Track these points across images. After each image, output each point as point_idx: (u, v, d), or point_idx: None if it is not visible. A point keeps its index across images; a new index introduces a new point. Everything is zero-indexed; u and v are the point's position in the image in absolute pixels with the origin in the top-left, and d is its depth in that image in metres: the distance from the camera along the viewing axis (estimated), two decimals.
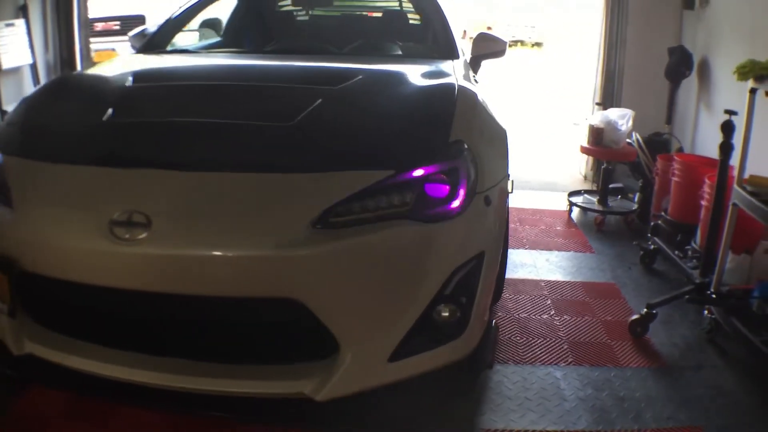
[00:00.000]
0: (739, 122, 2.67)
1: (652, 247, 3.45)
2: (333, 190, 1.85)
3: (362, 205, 1.85)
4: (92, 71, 2.77)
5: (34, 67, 4.46)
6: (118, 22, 7.21)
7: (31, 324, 2.00)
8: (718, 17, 3.70)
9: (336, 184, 1.86)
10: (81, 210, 1.90)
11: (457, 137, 2.02)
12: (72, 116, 2.25)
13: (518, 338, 2.68)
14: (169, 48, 3.37)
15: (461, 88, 2.32)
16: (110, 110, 2.20)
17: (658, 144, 3.98)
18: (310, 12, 4.26)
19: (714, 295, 2.73)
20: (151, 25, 3.78)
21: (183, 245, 1.79)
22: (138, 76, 2.53)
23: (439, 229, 1.88)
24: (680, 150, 4.07)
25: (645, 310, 2.76)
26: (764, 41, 3.25)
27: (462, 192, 1.92)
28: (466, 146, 2.01)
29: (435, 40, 3.38)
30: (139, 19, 7.63)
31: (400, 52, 3.39)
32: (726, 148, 2.75)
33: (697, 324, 2.85)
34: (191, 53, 3.37)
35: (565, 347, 2.62)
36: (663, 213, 3.59)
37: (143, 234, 1.78)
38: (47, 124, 2.22)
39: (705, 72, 3.86)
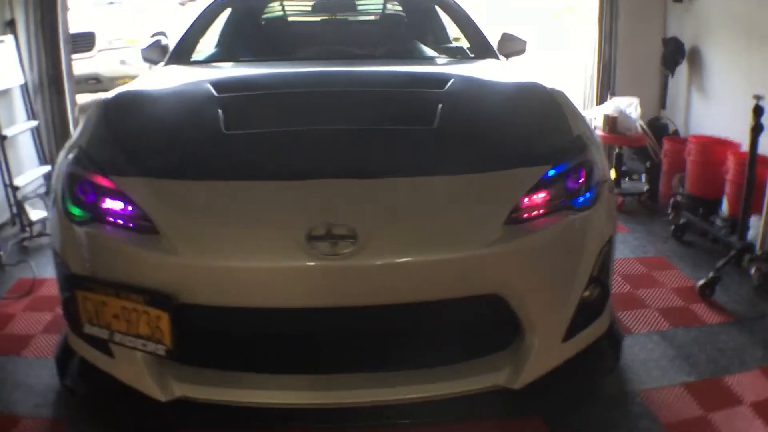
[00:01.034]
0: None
1: (682, 221, 3.87)
2: (511, 187, 1.99)
3: (536, 200, 2.01)
4: (146, 87, 2.68)
5: (25, 87, 4.23)
6: None
7: (176, 364, 1.94)
8: (707, 9, 4.22)
9: (511, 182, 2.00)
10: (265, 227, 1.86)
11: (577, 132, 2.24)
12: (182, 132, 2.20)
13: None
14: (192, 60, 3.35)
15: (551, 88, 2.52)
16: (221, 122, 2.16)
17: (658, 128, 4.50)
18: (314, 18, 4.30)
19: (764, 254, 3.22)
20: (162, 38, 3.75)
21: (393, 254, 1.81)
22: (218, 87, 2.46)
23: (589, 216, 2.06)
24: (676, 132, 4.60)
25: (711, 274, 3.14)
26: (758, 31, 3.77)
27: (596, 181, 2.12)
28: (587, 140, 2.23)
29: (471, 41, 3.58)
30: (89, 37, 7.27)
31: (433, 53, 3.57)
32: (756, 129, 3.22)
33: (744, 283, 3.26)
34: (227, 63, 3.33)
35: (657, 315, 2.95)
36: (680, 190, 4.08)
37: (350, 247, 1.78)
38: (157, 142, 2.15)
39: (695, 60, 4.39)
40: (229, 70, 3.05)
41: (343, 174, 1.95)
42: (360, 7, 4.21)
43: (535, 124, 2.24)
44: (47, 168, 4.28)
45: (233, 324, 1.92)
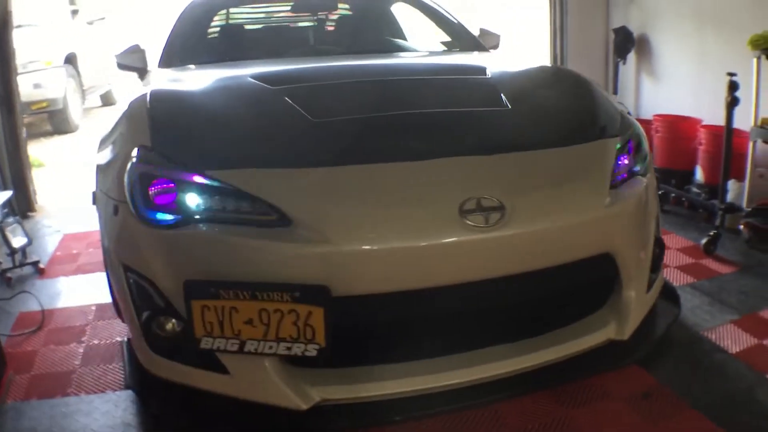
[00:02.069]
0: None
1: (660, 192, 4.07)
2: (605, 156, 2.08)
3: (619, 167, 2.11)
4: (177, 86, 2.43)
5: None
6: None
7: (303, 369, 1.77)
8: (653, 1, 4.52)
9: (603, 151, 2.10)
10: (415, 206, 1.77)
11: (619, 108, 2.41)
12: (263, 123, 2.04)
13: None
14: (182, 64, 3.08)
15: (576, 72, 2.68)
16: (302, 112, 2.03)
17: None
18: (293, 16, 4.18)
19: (751, 211, 3.47)
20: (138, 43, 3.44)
21: (536, 221, 1.82)
22: (264, 80, 2.33)
23: (649, 180, 2.21)
24: (628, 114, 4.86)
25: (713, 231, 3.36)
26: (709, 14, 4.05)
27: (646, 150, 2.29)
28: (627, 115, 2.39)
29: (453, 36, 3.60)
30: None
31: (429, 47, 3.61)
32: (732, 102, 3.46)
33: (732, 239, 3.48)
34: (231, 63, 3.01)
35: (678, 272, 3.09)
36: None
37: (499, 218, 1.76)
38: (242, 135, 1.96)
39: (644, 47, 4.65)
40: (252, 68, 2.81)
41: (464, 151, 1.93)
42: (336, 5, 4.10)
43: (589, 103, 2.36)
44: (9, 193, 3.76)
45: (381, 312, 1.76)
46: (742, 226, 3.50)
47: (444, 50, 3.56)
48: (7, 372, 2.29)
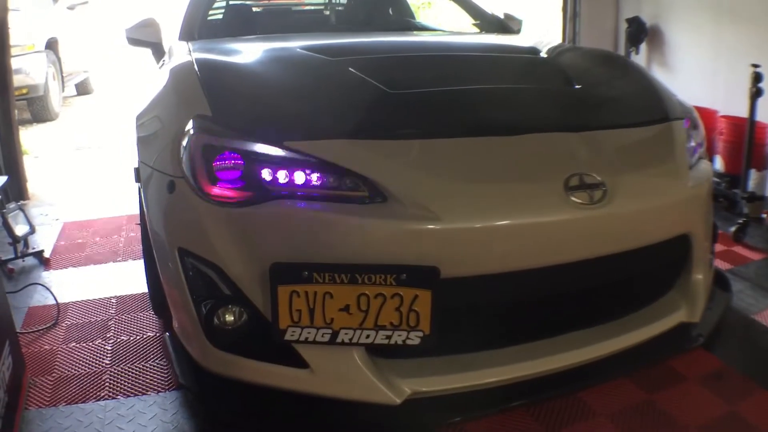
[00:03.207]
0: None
1: None
2: (679, 136, 1.96)
3: (689, 148, 1.99)
4: (219, 56, 2.13)
5: None
6: None
7: (387, 360, 1.56)
8: None
9: (676, 131, 1.96)
10: (521, 181, 1.60)
11: (673, 93, 2.30)
12: (336, 93, 1.82)
13: None
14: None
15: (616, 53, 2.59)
16: (377, 83, 1.83)
17: None
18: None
19: None
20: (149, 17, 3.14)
21: (636, 200, 1.70)
22: (319, 51, 2.12)
23: (705, 161, 2.12)
24: None
25: (742, 220, 3.27)
26: (727, 7, 3.91)
27: (704, 132, 2.19)
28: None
29: (482, 18, 3.45)
30: None
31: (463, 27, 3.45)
32: (756, 93, 3.36)
33: (757, 227, 3.39)
34: (261, 38, 2.74)
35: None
36: None
37: (603, 195, 1.62)
38: (320, 104, 1.74)
39: (656, 37, 4.52)
40: (287, 42, 2.52)
41: (554, 127, 1.79)
42: None
43: (648, 84, 2.26)
44: (4, 178, 3.39)
45: (484, 296, 1.58)
46: (765, 215, 3.44)
47: (476, 32, 3.37)
48: (26, 375, 1.98)
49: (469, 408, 1.62)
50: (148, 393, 1.91)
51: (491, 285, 1.56)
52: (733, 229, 3.25)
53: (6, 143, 3.69)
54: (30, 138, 6.28)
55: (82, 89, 9.10)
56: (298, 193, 1.51)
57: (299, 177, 1.52)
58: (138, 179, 1.92)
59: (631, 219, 1.70)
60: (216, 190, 1.54)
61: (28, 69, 6.48)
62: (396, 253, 1.43)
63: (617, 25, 4.80)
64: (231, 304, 1.56)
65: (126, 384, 1.97)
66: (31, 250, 2.95)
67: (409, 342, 1.45)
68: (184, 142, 1.61)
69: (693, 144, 2.04)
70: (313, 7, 3.84)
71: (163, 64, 2.62)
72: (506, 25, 3.36)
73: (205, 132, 1.60)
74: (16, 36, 6.34)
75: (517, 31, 3.43)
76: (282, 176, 1.53)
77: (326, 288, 1.41)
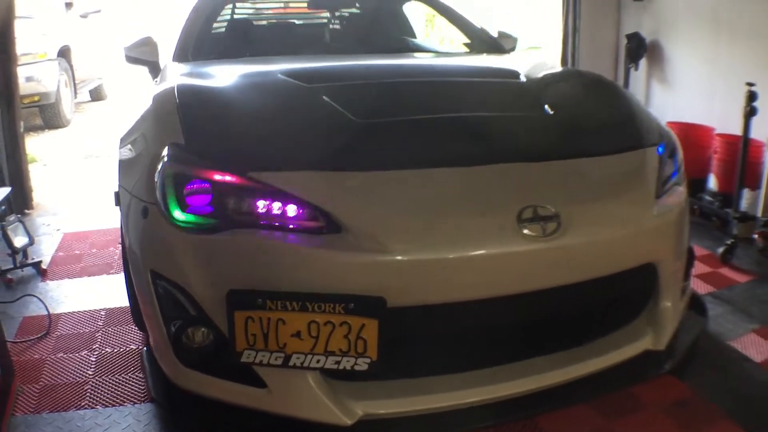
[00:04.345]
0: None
1: None
2: (648, 164, 2.04)
3: (661, 175, 2.06)
4: (204, 82, 2.28)
5: None
6: None
7: (343, 382, 1.68)
8: (668, 6, 4.41)
9: (646, 159, 2.06)
10: (473, 214, 1.69)
11: (653, 115, 2.36)
12: (305, 123, 1.94)
13: None
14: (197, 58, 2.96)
15: (606, 78, 2.67)
16: (344, 112, 1.95)
17: None
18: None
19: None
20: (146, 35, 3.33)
21: (591, 231, 1.77)
22: (297, 77, 2.24)
23: (682, 189, 2.17)
24: None
25: (730, 241, 3.33)
26: (726, 25, 3.99)
27: (680, 157, 2.26)
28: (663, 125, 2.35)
29: (474, 36, 3.53)
30: None
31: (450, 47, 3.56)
32: (750, 112, 3.40)
33: (746, 247, 3.44)
34: (253, 59, 2.92)
35: (698, 281, 3.06)
36: None
37: (557, 227, 1.70)
38: (281, 135, 1.85)
39: (656, 53, 4.60)
40: (271, 65, 2.63)
41: (516, 157, 1.87)
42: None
43: (627, 110, 2.31)
44: (7, 189, 3.61)
45: (433, 324, 1.68)
46: (756, 236, 3.49)
47: (466, 52, 3.47)
48: (15, 382, 2.15)
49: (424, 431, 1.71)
50: (125, 404, 2.07)
51: (442, 314, 1.65)
52: (720, 250, 3.32)
53: (11, 154, 3.90)
54: (40, 145, 6.54)
55: (96, 95, 9.42)
56: (259, 222, 1.64)
57: (260, 207, 1.65)
58: (117, 203, 2.08)
59: (585, 251, 1.76)
60: (184, 217, 1.68)
61: (40, 77, 6.76)
62: (345, 283, 1.55)
63: (618, 41, 4.88)
64: (197, 325, 1.69)
65: (106, 394, 2.13)
66: (29, 261, 3.15)
67: (357, 368, 1.56)
68: (158, 170, 1.76)
69: (666, 172, 2.09)
70: (313, 21, 3.94)
71: (155, 84, 2.79)
72: (498, 44, 3.45)
73: (176, 161, 1.74)
74: (28, 44, 6.65)
75: (510, 50, 3.52)
76: (245, 206, 1.66)
77: (279, 315, 1.53)
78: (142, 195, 1.80)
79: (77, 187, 4.92)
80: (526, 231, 1.66)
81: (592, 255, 1.78)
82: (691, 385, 2.15)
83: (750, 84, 3.40)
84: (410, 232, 1.60)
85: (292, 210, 1.64)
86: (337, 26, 3.83)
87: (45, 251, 3.47)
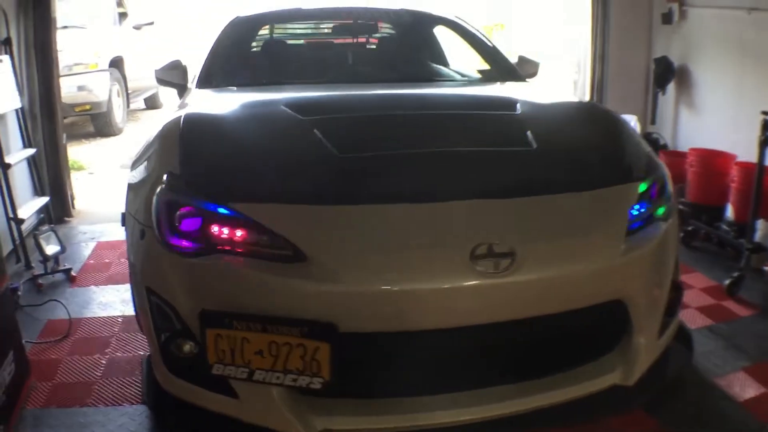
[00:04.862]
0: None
1: (690, 228, 4.04)
2: (623, 201, 2.10)
3: (639, 212, 2.12)
4: (212, 110, 2.51)
5: (22, 111, 3.91)
6: None
7: (309, 398, 1.84)
8: (696, 30, 4.45)
9: (622, 196, 2.11)
10: (428, 249, 1.83)
11: (646, 149, 2.41)
12: (289, 155, 2.11)
13: None
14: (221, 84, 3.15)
15: (607, 108, 2.73)
16: (330, 145, 2.10)
17: (649, 142, 4.70)
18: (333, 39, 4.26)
19: None
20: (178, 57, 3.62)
21: (547, 269, 1.86)
22: (296, 108, 2.40)
23: (670, 225, 2.20)
24: (665, 146, 4.84)
25: (737, 273, 3.34)
26: (752, 51, 4.03)
27: (670, 192, 2.29)
28: (654, 156, 2.38)
29: (491, 63, 3.62)
30: None
31: (466, 75, 3.58)
32: (765, 141, 3.40)
33: (756, 279, 3.45)
34: (266, 87, 3.14)
35: (698, 313, 3.10)
36: (681, 200, 4.26)
37: (509, 264, 1.80)
38: (267, 167, 2.04)
39: (684, 78, 4.63)
40: (285, 93, 2.87)
41: (480, 194, 1.97)
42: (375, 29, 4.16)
43: (616, 143, 2.38)
44: (45, 199, 3.99)
45: (382, 350, 1.84)
46: (767, 268, 3.49)
47: (479, 78, 3.56)
48: (30, 379, 2.42)
49: None
50: (124, 404, 2.32)
51: (395, 341, 1.81)
52: (727, 282, 3.33)
53: (52, 165, 4.27)
54: (90, 153, 7.01)
55: (151, 104, 9.99)
56: (236, 249, 1.85)
57: (238, 235, 1.85)
58: (123, 223, 2.34)
59: (542, 287, 1.85)
60: (174, 241, 1.90)
61: (92, 86, 7.26)
62: (302, 309, 1.73)
63: (648, 65, 4.92)
64: (182, 338, 1.90)
65: (109, 394, 2.39)
66: (60, 268, 3.47)
67: (312, 386, 1.74)
68: (155, 196, 1.99)
69: (646, 207, 2.13)
70: (337, 48, 4.09)
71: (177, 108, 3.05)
72: (515, 71, 3.50)
73: (170, 189, 1.96)
74: (80, 54, 7.20)
75: (531, 75, 3.59)
76: (225, 233, 1.86)
77: (243, 334, 1.73)
78: (141, 218, 2.03)
79: (119, 196, 5.25)
80: (478, 267, 1.77)
81: (549, 291, 1.87)
82: (662, 421, 2.21)
83: (765, 113, 3.40)
84: (364, 265, 1.77)
85: (264, 239, 1.82)
86: (361, 53, 3.97)
87: (78, 259, 3.80)
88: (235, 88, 3.02)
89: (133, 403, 2.33)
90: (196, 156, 2.09)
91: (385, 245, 1.82)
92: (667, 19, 4.58)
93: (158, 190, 1.99)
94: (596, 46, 4.87)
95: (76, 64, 7.11)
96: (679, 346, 2.38)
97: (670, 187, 2.33)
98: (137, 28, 8.77)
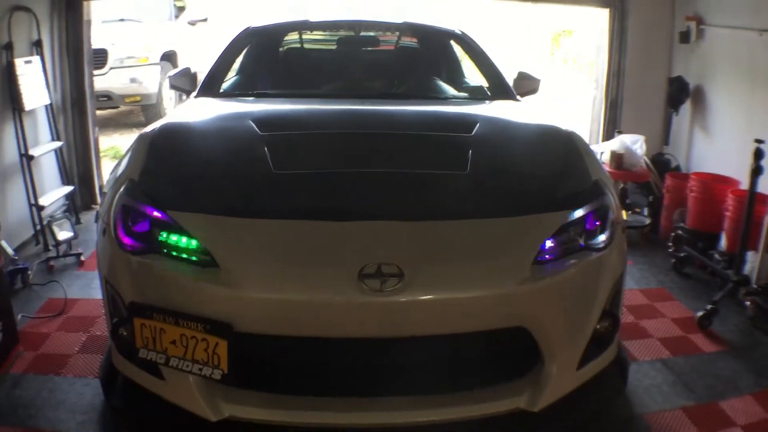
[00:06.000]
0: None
1: (683, 254, 4.13)
2: (539, 230, 2.24)
3: (559, 242, 2.25)
4: (187, 120, 2.86)
5: (51, 107, 4.47)
6: None
7: (223, 387, 2.12)
8: (712, 51, 4.50)
9: (539, 225, 2.26)
10: (320, 265, 2.08)
11: (595, 176, 2.49)
12: (232, 169, 2.40)
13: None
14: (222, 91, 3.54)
15: (569, 131, 2.77)
16: (270, 162, 2.36)
17: (661, 163, 4.78)
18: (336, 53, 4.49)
19: (759, 288, 3.49)
20: (189, 64, 4.04)
21: (434, 291, 2.05)
22: (260, 124, 2.65)
23: (604, 256, 2.31)
24: (677, 168, 4.88)
25: (710, 306, 3.39)
26: (762, 75, 4.06)
27: (611, 223, 2.38)
28: (603, 184, 2.47)
29: (489, 80, 3.77)
30: (102, 54, 7.55)
31: (454, 92, 3.78)
32: (756, 171, 3.47)
33: (739, 314, 3.52)
34: (258, 98, 3.45)
35: (658, 344, 3.20)
36: (681, 224, 4.35)
37: (396, 284, 2.02)
38: (209, 179, 2.34)
39: (699, 99, 4.67)
40: (263, 106, 3.22)
41: (389, 216, 2.20)
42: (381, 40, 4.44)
43: (558, 169, 2.50)
44: (70, 188, 4.55)
45: (281, 351, 2.15)
46: (748, 302, 3.52)
47: (467, 97, 3.74)
48: (17, 348, 2.90)
49: None
50: (88, 377, 2.75)
51: (288, 344, 2.11)
52: (699, 314, 3.39)
53: (82, 158, 4.84)
54: None
55: None
56: (170, 252, 2.19)
57: (172, 239, 2.20)
58: (96, 220, 2.76)
59: (428, 308, 2.05)
60: (125, 240, 2.27)
61: (142, 79, 7.90)
62: (208, 308, 2.06)
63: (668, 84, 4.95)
64: (126, 324, 2.26)
65: (79, 367, 2.83)
66: (71, 252, 3.99)
67: (213, 376, 2.06)
68: (115, 199, 2.38)
69: (571, 237, 2.26)
70: (340, 62, 4.28)
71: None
72: (508, 90, 3.62)
73: (127, 194, 2.33)
74: (132, 48, 7.88)
75: (531, 92, 3.77)
76: (163, 236, 2.22)
77: (161, 325, 2.08)
78: (104, 217, 2.42)
79: None
80: (365, 285, 2.00)
81: (437, 312, 2.06)
82: None
83: (758, 141, 3.45)
84: (262, 275, 2.08)
85: (192, 245, 2.17)
86: (358, 68, 4.17)
87: (92, 244, 4.28)
88: (229, 99, 3.38)
89: (95, 377, 2.75)
90: (156, 165, 2.43)
91: (285, 258, 2.11)
92: (684, 38, 4.63)
93: (118, 194, 2.38)
94: (612, 63, 4.95)
95: (129, 57, 7.78)
96: (610, 378, 2.46)
97: (613, 216, 2.40)
98: (192, 23, 9.41)
